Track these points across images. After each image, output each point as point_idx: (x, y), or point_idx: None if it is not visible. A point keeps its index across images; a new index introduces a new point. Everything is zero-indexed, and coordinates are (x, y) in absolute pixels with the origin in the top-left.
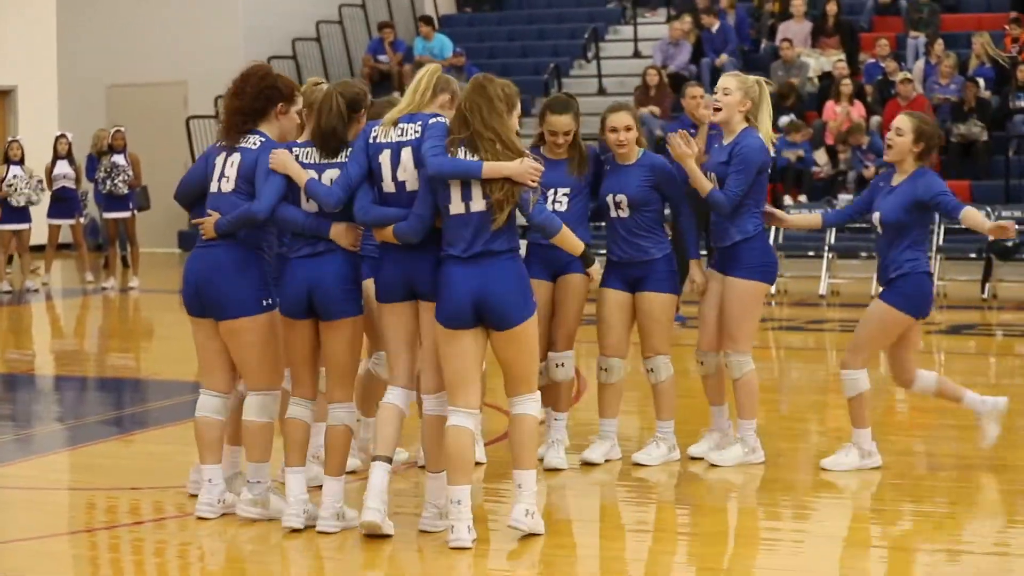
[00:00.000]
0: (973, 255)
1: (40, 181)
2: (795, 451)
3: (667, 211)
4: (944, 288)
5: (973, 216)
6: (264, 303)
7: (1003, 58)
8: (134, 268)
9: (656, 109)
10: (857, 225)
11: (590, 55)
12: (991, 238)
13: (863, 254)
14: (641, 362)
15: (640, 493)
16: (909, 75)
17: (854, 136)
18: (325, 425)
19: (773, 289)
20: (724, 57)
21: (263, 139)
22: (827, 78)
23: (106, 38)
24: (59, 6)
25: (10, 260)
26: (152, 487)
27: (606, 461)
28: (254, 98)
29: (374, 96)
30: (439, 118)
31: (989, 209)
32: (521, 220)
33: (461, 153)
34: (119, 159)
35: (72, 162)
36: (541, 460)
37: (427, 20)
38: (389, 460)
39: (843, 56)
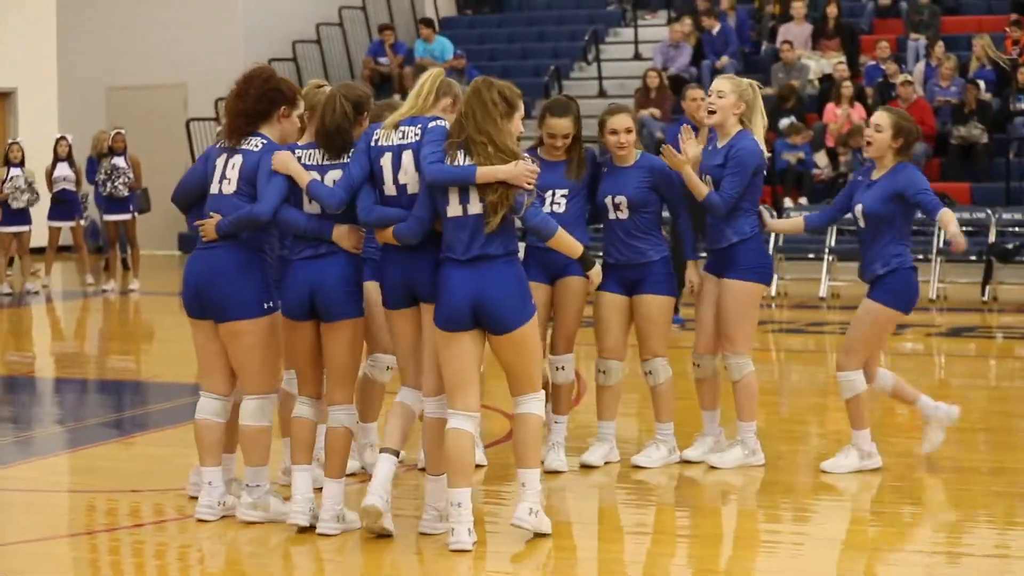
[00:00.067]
0: (973, 257)
1: (32, 183)
2: (795, 453)
3: (664, 214)
4: (944, 290)
5: (947, 219)
6: (265, 305)
7: (1003, 60)
8: (134, 270)
9: (656, 111)
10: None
11: (590, 57)
12: (991, 241)
13: None
14: (639, 365)
15: (639, 495)
16: (910, 77)
17: (854, 138)
18: (325, 427)
19: (773, 291)
20: (725, 59)
21: (265, 141)
22: (827, 80)
23: (106, 40)
24: (59, 8)
25: (10, 262)
26: (152, 489)
27: (605, 463)
28: (257, 100)
29: (376, 99)
30: (439, 121)
31: (989, 211)
32: (519, 222)
33: (460, 156)
34: (119, 161)
35: (72, 164)
36: (542, 462)
37: (427, 22)
38: (396, 454)
39: (843, 58)
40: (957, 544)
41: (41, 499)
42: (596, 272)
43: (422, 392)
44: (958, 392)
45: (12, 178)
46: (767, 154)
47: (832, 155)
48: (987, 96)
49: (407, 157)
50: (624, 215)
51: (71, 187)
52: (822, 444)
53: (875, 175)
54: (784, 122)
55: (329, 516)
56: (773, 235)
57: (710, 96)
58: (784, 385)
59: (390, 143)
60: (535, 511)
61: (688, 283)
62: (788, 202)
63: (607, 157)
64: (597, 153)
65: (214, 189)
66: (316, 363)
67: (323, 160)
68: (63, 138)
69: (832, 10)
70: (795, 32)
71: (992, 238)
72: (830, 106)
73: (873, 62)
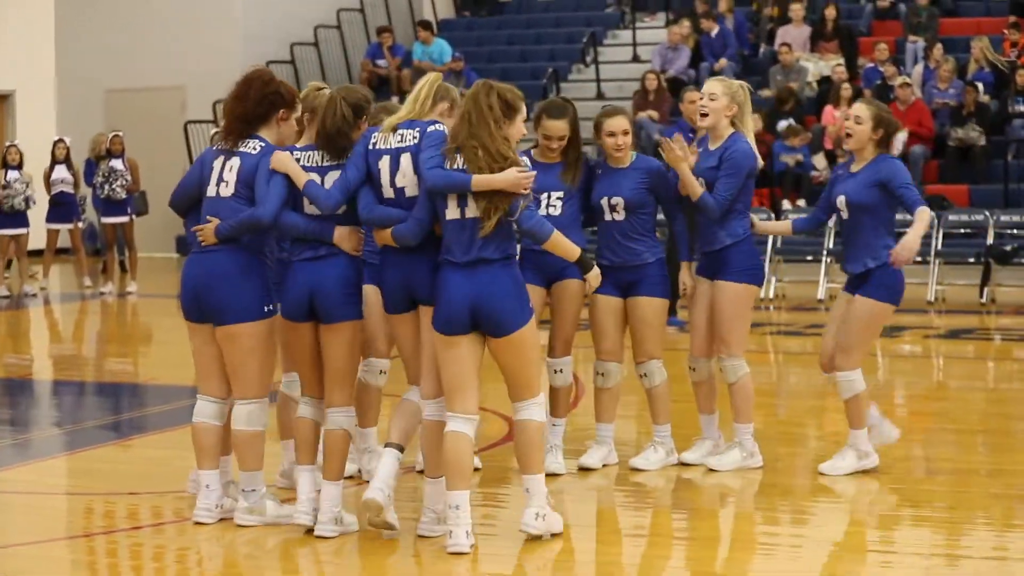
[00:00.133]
0: (972, 259)
1: (27, 184)
2: (793, 456)
3: (659, 216)
4: (943, 292)
5: (921, 221)
6: (266, 309)
7: (1002, 62)
8: (132, 273)
9: (655, 113)
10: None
11: (588, 59)
12: (989, 242)
13: None
14: (634, 367)
15: (637, 498)
16: (908, 79)
17: None
18: (323, 429)
19: (771, 293)
20: (723, 61)
21: (263, 144)
22: (826, 82)
23: (104, 42)
24: (57, 10)
25: (8, 265)
26: (150, 492)
27: (603, 466)
28: (257, 103)
29: (374, 101)
30: (438, 125)
31: (987, 213)
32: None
33: (459, 161)
34: (117, 164)
35: (70, 167)
36: None
37: (426, 25)
38: (401, 449)
39: (842, 60)
40: (955, 546)
41: (39, 501)
42: (595, 275)
43: (420, 394)
44: (956, 394)
45: (14, 181)
46: (759, 156)
47: (830, 157)
48: (986, 98)
49: (405, 160)
50: (620, 216)
51: (69, 189)
52: (820, 446)
53: (855, 168)
54: (782, 124)
55: (327, 518)
56: (771, 237)
57: (701, 99)
58: (782, 387)
59: (388, 146)
60: (542, 515)
61: (681, 285)
62: (786, 204)
63: (601, 159)
64: (589, 155)
65: (211, 192)
66: (317, 364)
67: (323, 162)
68: (61, 140)
69: (830, 12)
70: (793, 34)
71: (990, 240)
72: (828, 108)
73: (871, 64)
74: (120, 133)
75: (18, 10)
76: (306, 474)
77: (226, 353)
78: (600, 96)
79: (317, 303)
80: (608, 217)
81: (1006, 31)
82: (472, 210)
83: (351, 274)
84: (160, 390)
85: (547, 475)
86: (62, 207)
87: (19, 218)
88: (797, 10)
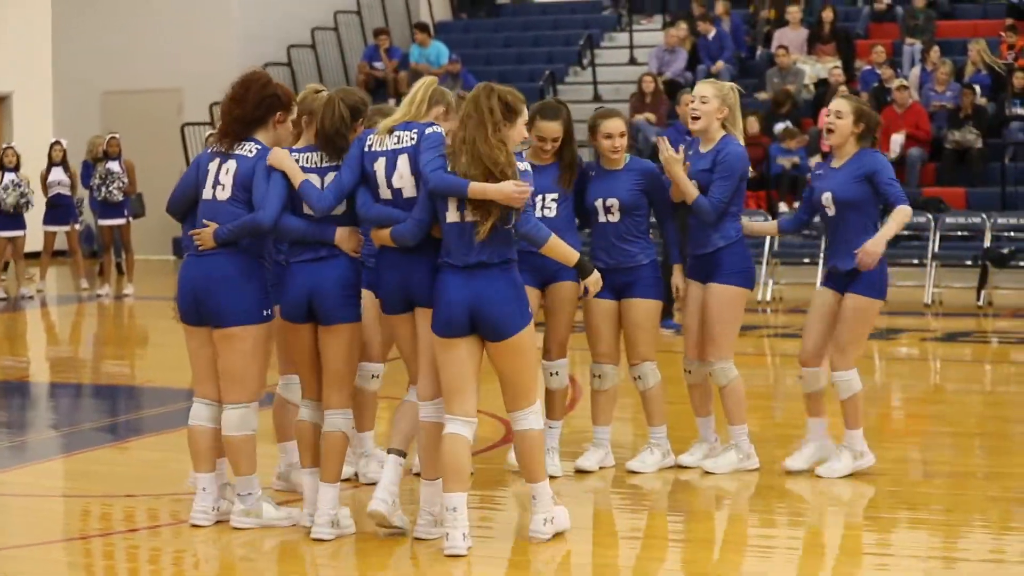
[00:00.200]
0: (969, 262)
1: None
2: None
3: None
4: (940, 295)
5: (898, 220)
6: (265, 312)
7: (999, 65)
8: (129, 275)
9: (652, 116)
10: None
11: (585, 62)
12: (986, 245)
13: None
14: (627, 369)
15: (634, 500)
16: (905, 82)
17: None
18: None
19: (768, 296)
20: (720, 64)
21: (259, 147)
22: (823, 85)
23: (101, 45)
24: (54, 12)
25: (5, 267)
26: (147, 494)
27: (600, 468)
28: (255, 106)
29: (372, 103)
30: (435, 128)
31: (984, 216)
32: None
33: (463, 162)
34: (114, 166)
35: (67, 169)
36: None
37: (423, 27)
38: (403, 454)
39: (839, 63)
40: (953, 549)
41: (36, 504)
42: (595, 280)
43: (417, 396)
44: (953, 397)
45: (12, 183)
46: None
47: (827, 159)
48: (983, 101)
49: (402, 162)
50: (615, 218)
51: (66, 192)
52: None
53: (836, 164)
54: (779, 127)
55: (324, 521)
56: (767, 240)
57: (692, 102)
58: (779, 390)
59: (384, 148)
60: (550, 519)
61: (674, 288)
62: (783, 207)
63: (593, 160)
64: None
65: (207, 195)
66: (317, 366)
67: (321, 163)
68: (57, 142)
69: (827, 15)
70: (790, 37)
71: (987, 243)
72: (825, 111)
73: (868, 67)
74: (117, 135)
75: (15, 12)
76: (310, 477)
77: (222, 355)
78: (597, 98)
79: (316, 304)
80: (602, 219)
81: (1003, 33)
82: (471, 214)
83: (351, 276)
84: (156, 392)
85: None
86: (59, 209)
87: (16, 220)
88: (794, 13)
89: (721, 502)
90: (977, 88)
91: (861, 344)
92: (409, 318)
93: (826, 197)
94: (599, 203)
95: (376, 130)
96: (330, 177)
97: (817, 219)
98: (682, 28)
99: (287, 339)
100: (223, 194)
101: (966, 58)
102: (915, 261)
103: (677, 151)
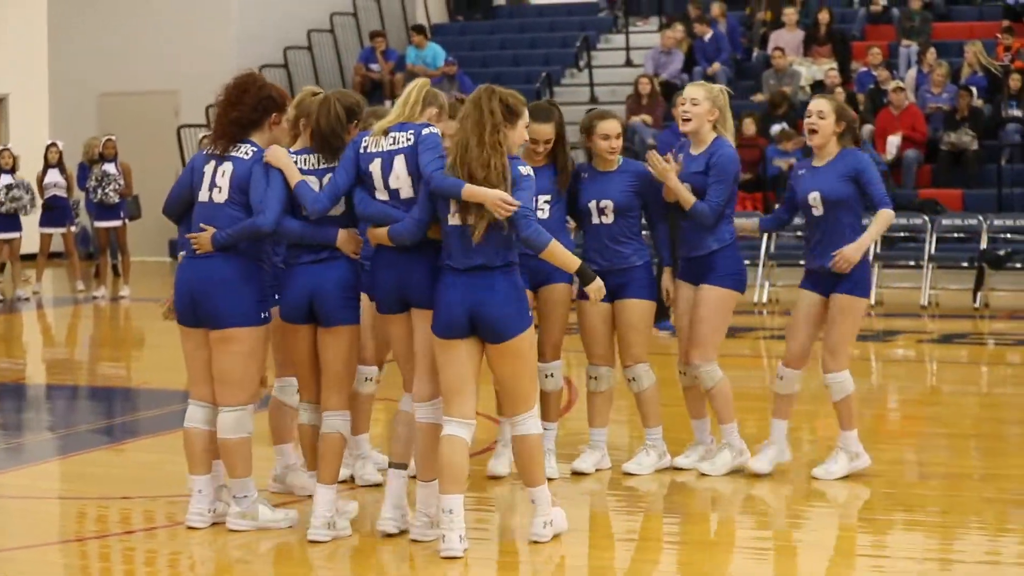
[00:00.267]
0: (965, 264)
1: (14, 187)
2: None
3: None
4: (936, 297)
5: (880, 221)
6: (262, 315)
7: (995, 67)
8: (125, 277)
9: (648, 118)
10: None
11: (582, 64)
12: (982, 247)
13: None
14: (621, 371)
15: (630, 502)
16: (901, 84)
17: None
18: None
19: (765, 298)
20: (716, 66)
21: (255, 149)
22: (819, 87)
23: (98, 46)
24: (50, 14)
25: (1, 269)
26: (143, 496)
27: (596, 470)
28: (253, 109)
29: (368, 105)
30: (432, 129)
31: (980, 218)
32: None
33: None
34: (110, 168)
35: (63, 171)
36: None
37: (419, 29)
38: (405, 467)
39: (835, 65)
40: (948, 550)
41: (32, 506)
42: (597, 288)
43: (412, 397)
44: (950, 398)
45: (9, 186)
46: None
47: None
48: (979, 102)
49: (399, 162)
50: (609, 219)
51: (62, 193)
52: (813, 450)
53: (819, 163)
54: (775, 128)
55: (320, 523)
56: (764, 242)
57: (683, 104)
58: None
59: (379, 149)
60: (549, 522)
61: (664, 291)
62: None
63: (585, 162)
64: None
65: (203, 197)
66: (316, 367)
67: (319, 164)
68: (53, 144)
69: (824, 16)
70: (787, 38)
71: (983, 244)
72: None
73: (865, 68)
74: (113, 137)
75: (11, 14)
76: (313, 480)
77: (217, 356)
78: (594, 100)
79: (317, 306)
80: (596, 220)
81: (999, 35)
82: (466, 217)
83: (351, 278)
84: (153, 394)
85: None
86: (55, 211)
87: (12, 222)
88: (790, 14)
89: (717, 504)
90: (973, 90)
91: (851, 343)
92: (404, 319)
93: (813, 197)
94: (593, 205)
95: (371, 131)
96: (328, 179)
97: (800, 219)
98: (678, 30)
99: (287, 341)
100: (220, 196)
101: (962, 60)
102: (911, 263)
103: (667, 155)
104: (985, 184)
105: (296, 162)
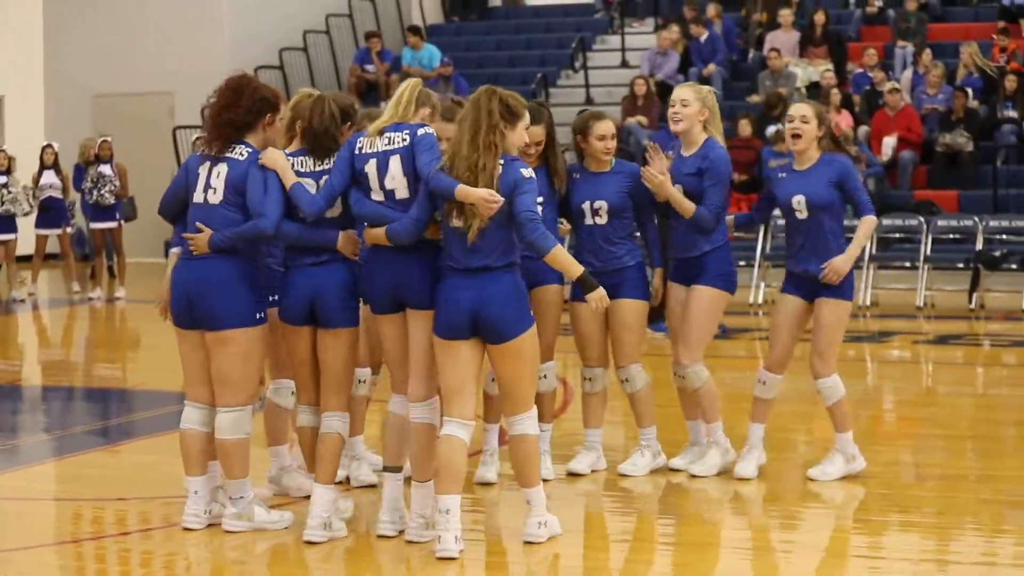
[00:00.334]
0: (961, 265)
1: (10, 188)
2: (781, 461)
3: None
4: (932, 298)
5: (866, 229)
6: (258, 316)
7: (991, 68)
8: (120, 278)
9: (644, 119)
10: (847, 236)
11: (577, 65)
12: (978, 248)
13: None
14: (615, 372)
15: (625, 503)
16: (897, 85)
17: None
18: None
19: (760, 299)
20: (712, 67)
21: (249, 150)
22: (815, 88)
23: (93, 48)
24: (46, 15)
25: None
26: (138, 497)
27: (592, 471)
28: (248, 111)
29: (363, 106)
30: (427, 129)
31: (976, 219)
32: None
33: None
34: (106, 169)
35: (59, 172)
36: None
37: (415, 30)
38: (399, 470)
39: (831, 66)
40: (944, 552)
41: (27, 507)
42: (599, 296)
43: (408, 397)
44: (945, 400)
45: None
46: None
47: None
48: (975, 104)
49: (394, 162)
50: (603, 220)
51: (58, 195)
52: (809, 451)
53: (800, 167)
54: (771, 130)
55: (316, 523)
56: (760, 244)
57: (673, 106)
58: None
59: (375, 150)
60: (543, 523)
61: (654, 291)
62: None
63: (577, 163)
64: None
65: (198, 198)
66: (315, 369)
67: (315, 167)
68: (49, 146)
69: (819, 18)
70: (782, 40)
71: (979, 245)
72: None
73: (860, 70)
74: (109, 138)
75: (6, 15)
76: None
77: (216, 358)
78: (589, 101)
79: (318, 308)
80: (589, 221)
81: (995, 36)
82: (458, 217)
83: (351, 280)
84: (148, 395)
85: None
86: (51, 212)
87: (8, 223)
88: (786, 15)
89: (712, 505)
90: (969, 91)
91: (838, 346)
92: (398, 319)
93: (798, 200)
94: (586, 206)
95: (366, 132)
96: (325, 180)
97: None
98: (674, 31)
99: (287, 342)
100: (215, 198)
101: (958, 61)
102: (907, 264)
103: (666, 153)
104: (981, 185)
105: (292, 164)
